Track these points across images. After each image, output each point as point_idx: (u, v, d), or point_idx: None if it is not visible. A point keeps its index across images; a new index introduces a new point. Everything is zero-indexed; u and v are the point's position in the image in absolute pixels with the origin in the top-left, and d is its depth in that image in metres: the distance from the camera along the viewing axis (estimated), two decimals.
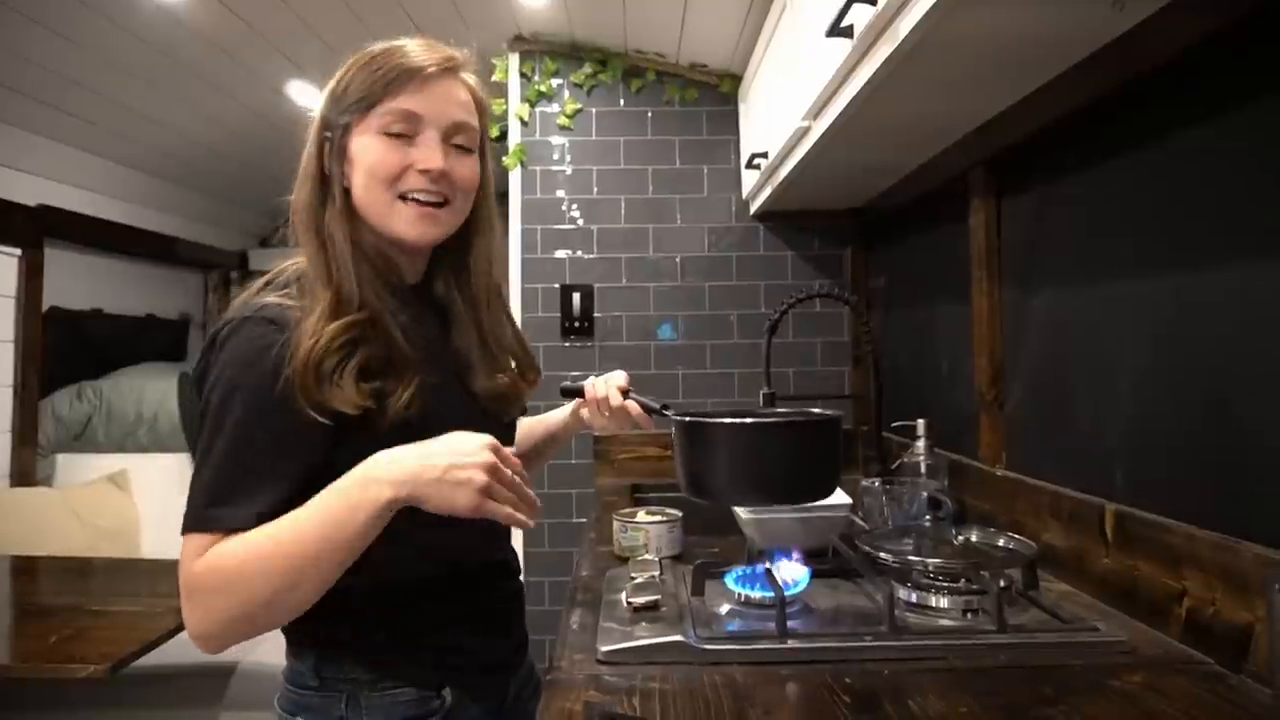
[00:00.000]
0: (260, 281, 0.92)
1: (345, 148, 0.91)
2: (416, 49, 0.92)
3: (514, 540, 2.42)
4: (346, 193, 0.92)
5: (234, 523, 0.80)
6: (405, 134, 0.91)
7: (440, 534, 0.87)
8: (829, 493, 1.06)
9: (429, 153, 0.91)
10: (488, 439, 0.82)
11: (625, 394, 1.14)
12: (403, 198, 0.91)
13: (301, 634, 0.92)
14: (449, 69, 0.93)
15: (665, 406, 1.12)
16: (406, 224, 0.92)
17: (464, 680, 0.95)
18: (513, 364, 1.05)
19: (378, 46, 0.93)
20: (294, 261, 0.94)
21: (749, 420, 1.06)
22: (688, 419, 1.06)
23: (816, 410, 1.13)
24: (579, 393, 1.18)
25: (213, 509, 0.80)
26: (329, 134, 0.92)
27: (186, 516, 0.81)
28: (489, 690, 0.99)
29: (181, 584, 0.80)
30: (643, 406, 1.13)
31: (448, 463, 0.78)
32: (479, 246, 1.02)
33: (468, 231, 1.00)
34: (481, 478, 0.78)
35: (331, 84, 0.93)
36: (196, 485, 0.82)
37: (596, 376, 1.17)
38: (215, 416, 0.82)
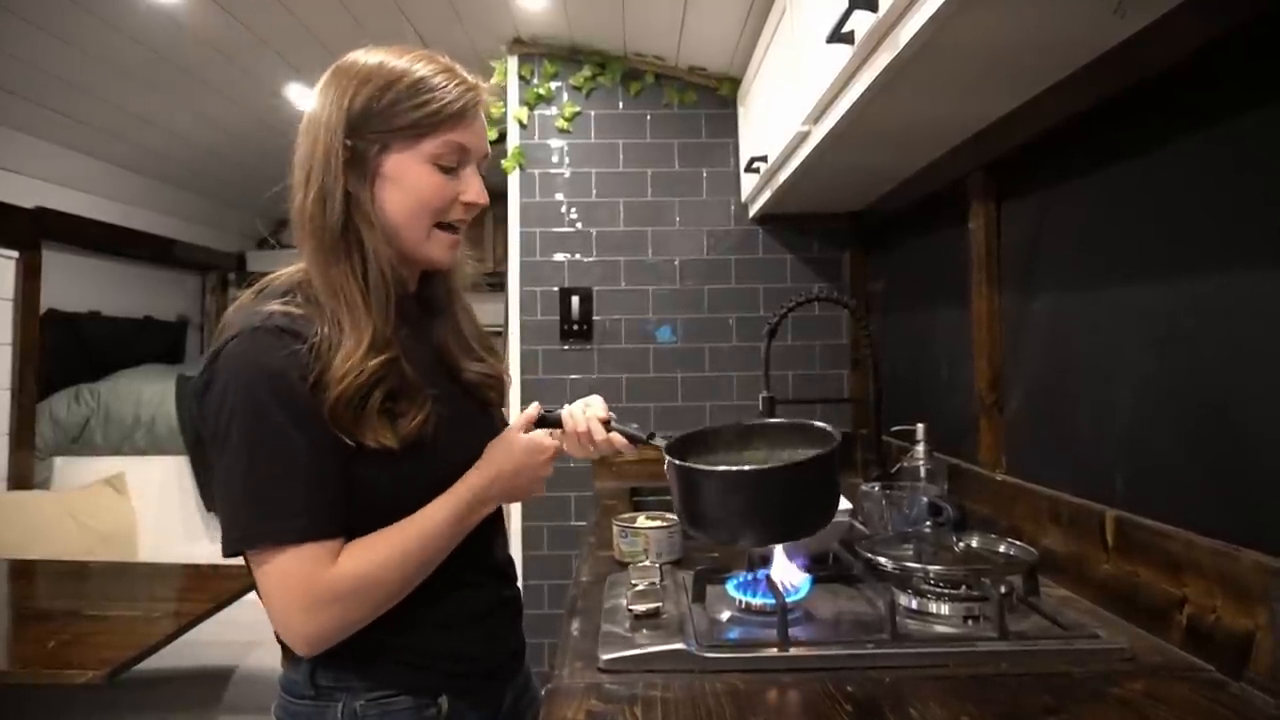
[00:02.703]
0: (251, 291, 0.92)
1: (379, 167, 0.91)
2: (456, 81, 0.92)
3: (512, 546, 2.41)
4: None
5: (332, 529, 0.84)
6: (455, 167, 0.93)
7: None
8: (827, 523, 1.03)
9: (475, 186, 0.95)
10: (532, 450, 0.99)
11: (607, 425, 1.05)
12: (439, 225, 0.95)
13: None
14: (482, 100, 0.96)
15: (651, 435, 1.05)
16: (441, 250, 0.96)
17: (460, 687, 0.95)
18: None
19: (414, 68, 0.91)
20: (284, 271, 0.94)
21: (747, 469, 1.01)
22: (681, 464, 1.00)
23: (816, 424, 1.09)
24: (556, 423, 1.07)
25: (301, 519, 0.82)
26: (351, 144, 0.89)
27: (264, 533, 0.82)
28: (486, 697, 0.99)
29: (304, 595, 0.82)
30: (628, 438, 1.05)
31: (529, 479, 1.01)
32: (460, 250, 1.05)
33: None
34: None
35: (359, 95, 0.89)
36: (262, 501, 0.82)
37: (571, 405, 1.07)
38: (253, 430, 0.82)
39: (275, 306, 0.87)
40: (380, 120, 0.90)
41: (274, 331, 0.84)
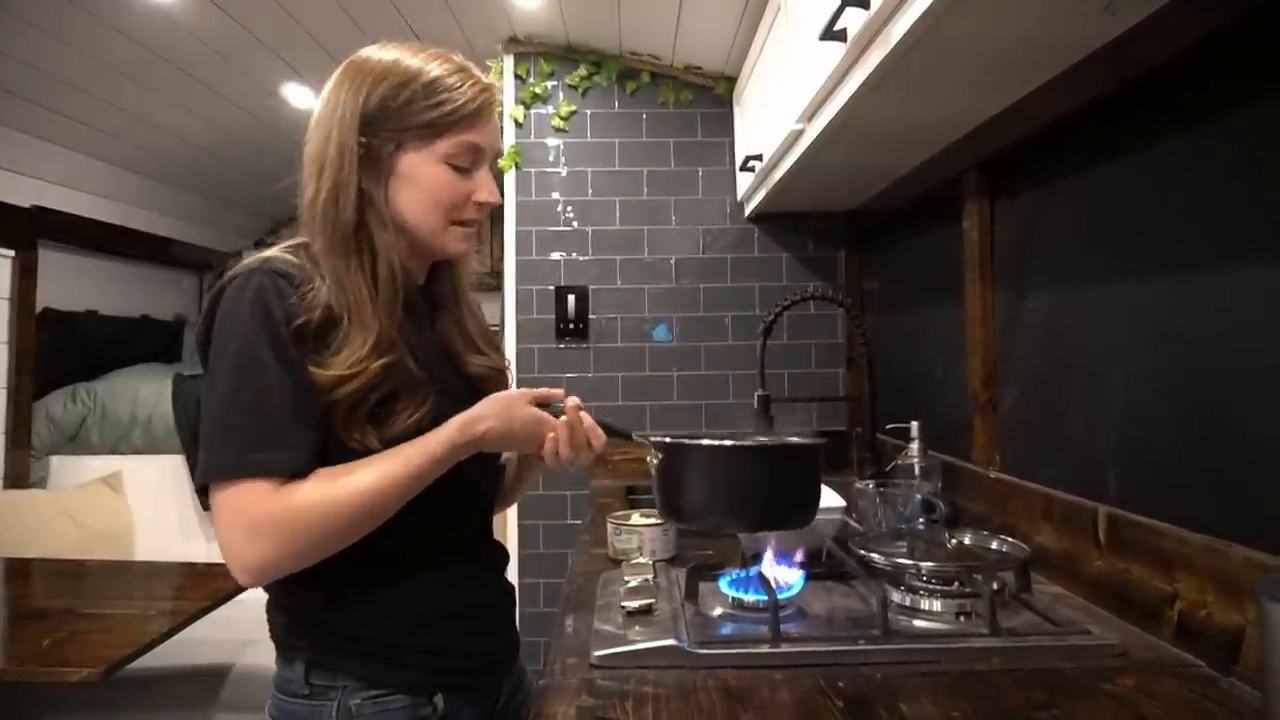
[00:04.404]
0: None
1: (394, 165, 0.92)
2: (471, 81, 0.94)
3: (509, 542, 2.41)
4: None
5: (293, 465, 0.83)
6: (468, 167, 0.95)
7: (422, 506, 0.88)
8: (807, 521, 1.04)
9: (488, 186, 0.97)
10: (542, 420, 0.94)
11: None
12: (454, 222, 0.96)
13: (292, 641, 0.92)
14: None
15: (631, 432, 1.03)
16: (457, 243, 0.98)
17: (455, 684, 0.95)
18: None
19: (429, 67, 0.93)
20: (290, 242, 0.96)
21: (727, 444, 1.01)
22: (670, 440, 1.01)
23: (798, 436, 1.11)
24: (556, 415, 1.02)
25: (262, 453, 0.82)
26: (365, 141, 0.91)
27: (226, 466, 0.82)
28: (480, 694, 0.99)
29: (248, 522, 0.81)
30: (606, 430, 0.98)
31: (523, 440, 0.94)
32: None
33: None
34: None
35: (374, 92, 0.91)
36: (230, 431, 0.82)
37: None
38: (237, 363, 0.83)
39: (275, 253, 0.90)
40: (396, 118, 0.91)
41: (270, 274, 0.86)
